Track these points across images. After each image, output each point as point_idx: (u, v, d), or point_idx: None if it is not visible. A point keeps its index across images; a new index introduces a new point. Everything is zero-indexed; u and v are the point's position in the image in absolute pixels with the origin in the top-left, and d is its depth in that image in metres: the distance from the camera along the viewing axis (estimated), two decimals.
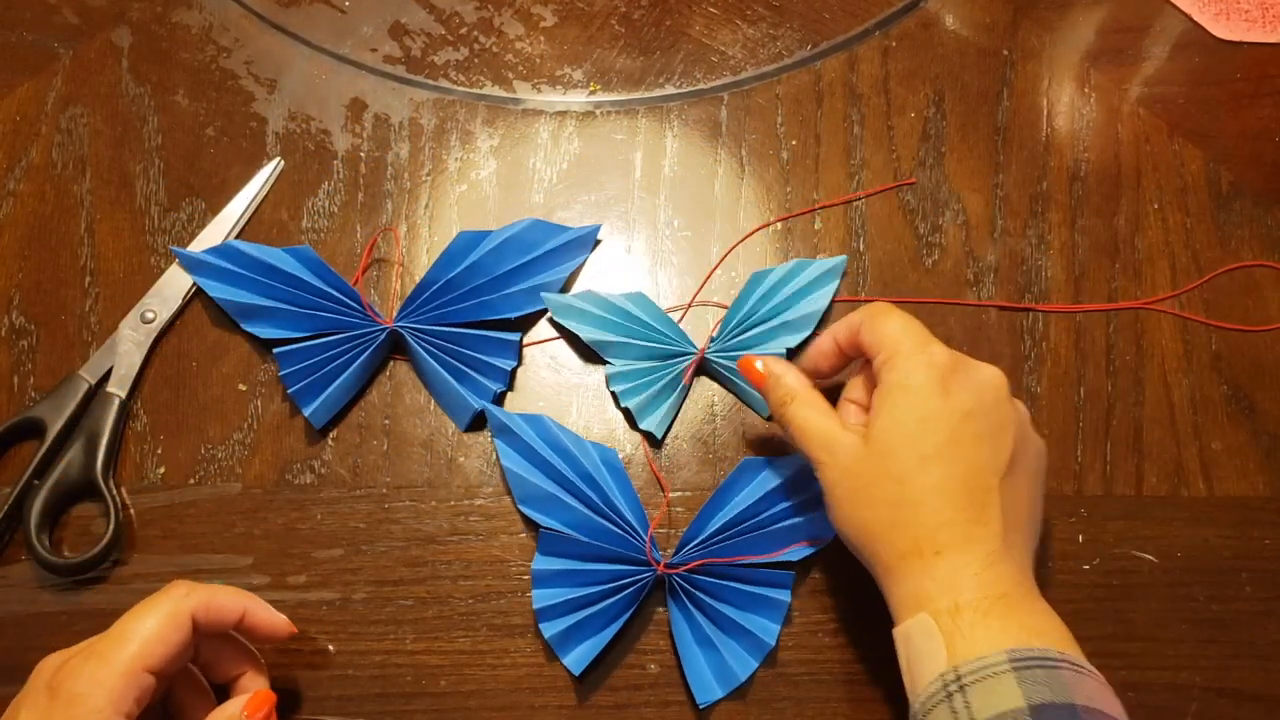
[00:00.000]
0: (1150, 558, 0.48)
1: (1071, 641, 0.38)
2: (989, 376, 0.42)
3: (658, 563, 0.45)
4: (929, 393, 0.40)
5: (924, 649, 0.38)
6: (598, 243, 0.53)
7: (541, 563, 0.46)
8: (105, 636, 0.39)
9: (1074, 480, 0.50)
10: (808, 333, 0.51)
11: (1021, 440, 0.41)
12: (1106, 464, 0.50)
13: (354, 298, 0.49)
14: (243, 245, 0.50)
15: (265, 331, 0.50)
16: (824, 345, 0.46)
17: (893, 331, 0.42)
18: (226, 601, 0.41)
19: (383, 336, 0.49)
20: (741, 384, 0.50)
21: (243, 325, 0.50)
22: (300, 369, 0.48)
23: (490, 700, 0.45)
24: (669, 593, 0.46)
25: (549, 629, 0.45)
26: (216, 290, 0.50)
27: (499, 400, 0.50)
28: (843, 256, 0.53)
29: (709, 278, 0.53)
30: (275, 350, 0.49)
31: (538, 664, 0.46)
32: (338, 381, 0.49)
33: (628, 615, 0.45)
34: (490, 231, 0.51)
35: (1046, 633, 0.38)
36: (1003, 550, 0.39)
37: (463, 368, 0.49)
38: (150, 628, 0.39)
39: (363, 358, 0.49)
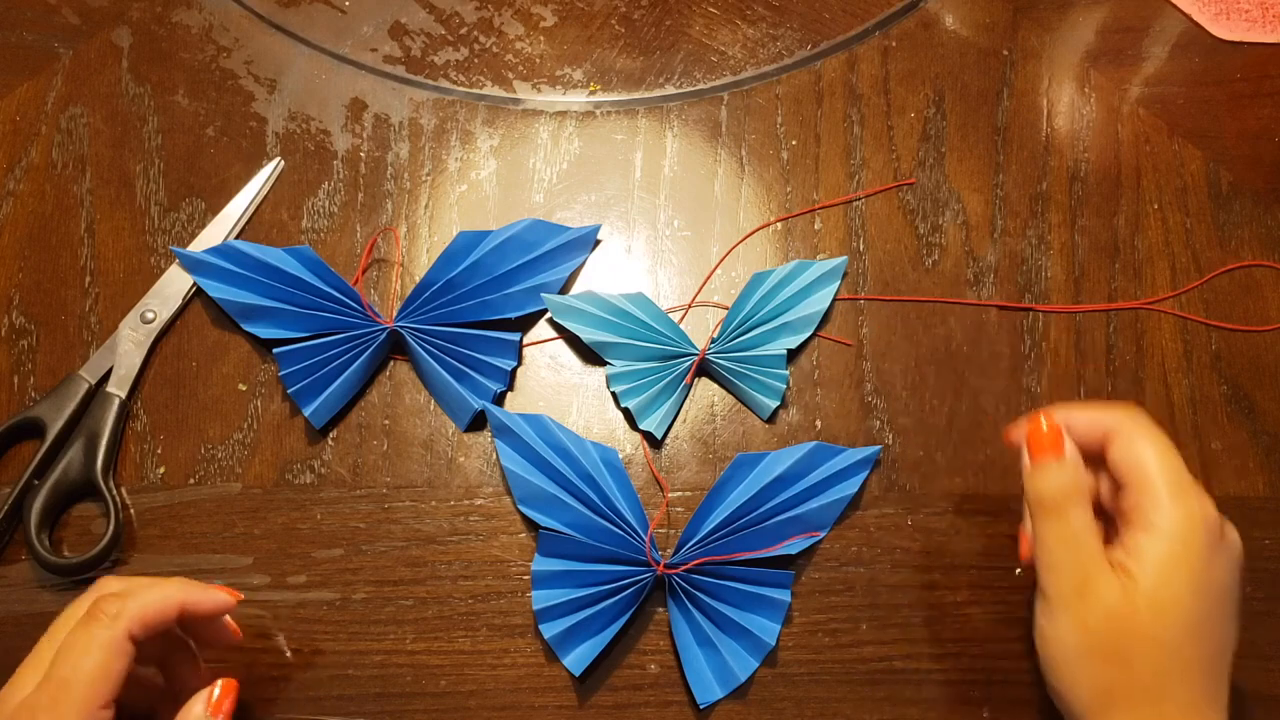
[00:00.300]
0: None
1: None
2: (1239, 546, 0.39)
3: (657, 563, 0.45)
4: (1204, 558, 0.38)
5: None
6: (598, 243, 0.53)
7: (541, 563, 0.46)
8: (47, 684, 0.36)
9: None
10: (807, 334, 0.51)
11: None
12: None
13: (354, 298, 0.49)
14: (243, 245, 0.50)
15: (265, 331, 0.50)
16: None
17: (1153, 461, 0.39)
18: (158, 603, 0.38)
19: (383, 336, 0.49)
20: (741, 385, 0.50)
21: (243, 325, 0.50)
22: (300, 369, 0.48)
23: (490, 700, 0.45)
24: (669, 593, 0.46)
25: (549, 629, 0.45)
26: (216, 290, 0.50)
27: (499, 400, 0.50)
28: (843, 258, 0.53)
29: (709, 278, 0.53)
30: (275, 350, 0.49)
31: (537, 664, 0.46)
32: (338, 381, 0.49)
33: (628, 616, 0.45)
34: (490, 231, 0.51)
35: None
36: None
37: (463, 368, 0.49)
38: (90, 668, 0.36)
39: (363, 358, 0.49)
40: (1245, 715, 0.46)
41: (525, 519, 0.48)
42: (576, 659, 0.45)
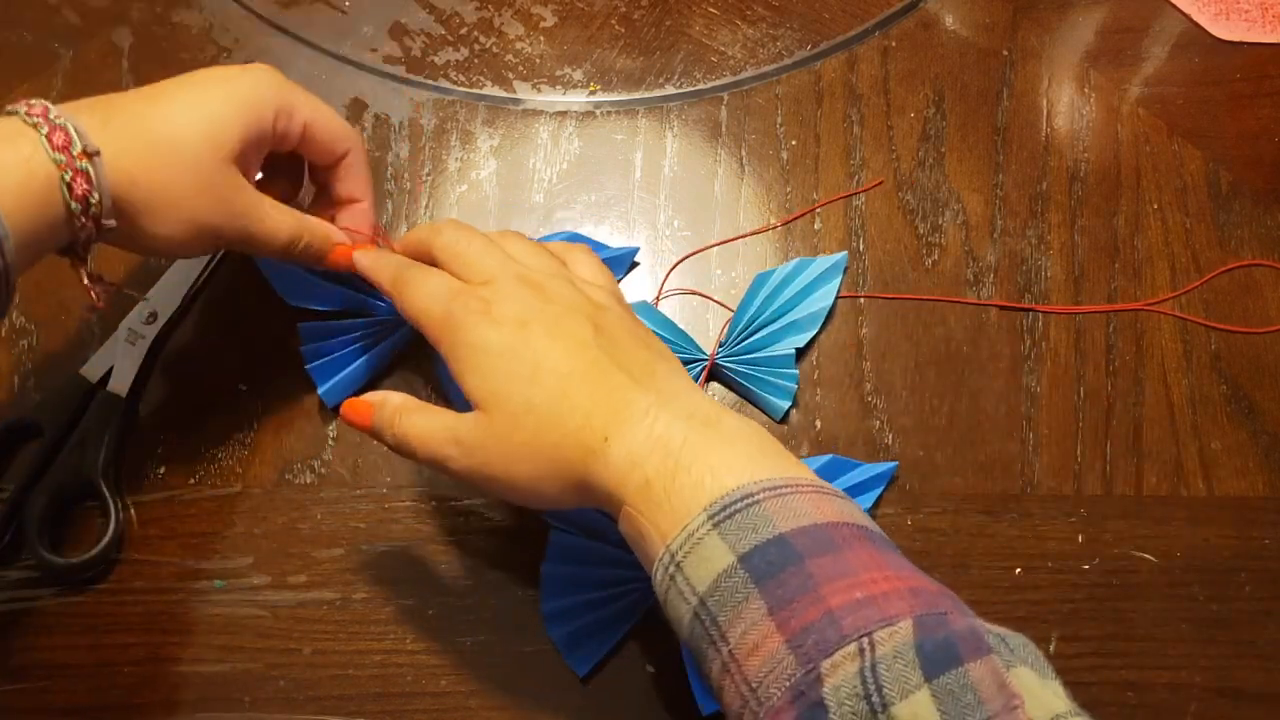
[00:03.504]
0: (1150, 557, 0.48)
1: (767, 453, 0.36)
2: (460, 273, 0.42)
3: None
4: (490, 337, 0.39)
5: (634, 544, 0.37)
6: (634, 265, 0.53)
7: (550, 567, 0.46)
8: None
9: (1074, 480, 0.50)
10: (814, 331, 0.51)
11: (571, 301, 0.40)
12: (1106, 464, 0.50)
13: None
14: None
15: (298, 300, 0.49)
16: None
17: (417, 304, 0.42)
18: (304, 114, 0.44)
19: (407, 327, 0.49)
20: (752, 387, 0.50)
21: (277, 289, 0.49)
22: (320, 346, 0.48)
23: (490, 700, 0.45)
24: None
25: (556, 632, 0.45)
26: (264, 264, 0.50)
27: None
28: (843, 253, 0.53)
29: (696, 252, 0.53)
30: (300, 325, 0.49)
31: (538, 664, 0.46)
32: (356, 364, 0.48)
33: (636, 619, 0.45)
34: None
35: (736, 463, 0.35)
36: (655, 397, 0.37)
37: None
38: (225, 115, 0.41)
39: (385, 343, 0.49)
40: (1245, 715, 0.46)
41: (526, 519, 0.48)
42: (582, 660, 0.45)
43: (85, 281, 0.41)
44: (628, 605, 0.45)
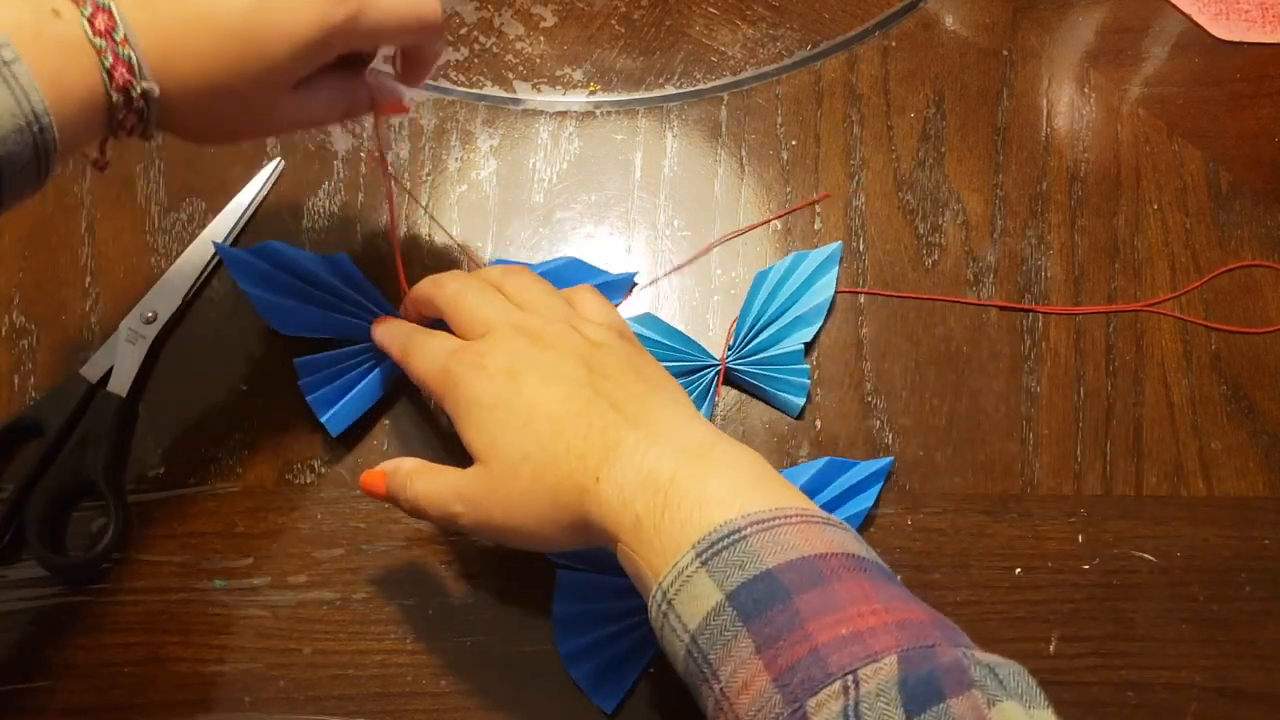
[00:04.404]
0: (1150, 558, 0.48)
1: (757, 483, 0.36)
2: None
3: None
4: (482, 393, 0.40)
5: (634, 580, 0.37)
6: (633, 286, 0.53)
7: (561, 607, 0.45)
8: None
9: (1074, 480, 0.50)
10: (819, 324, 0.51)
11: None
12: (1106, 464, 0.50)
13: (384, 309, 0.49)
14: (281, 246, 0.50)
15: (291, 331, 0.49)
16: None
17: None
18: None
19: None
20: (766, 387, 0.50)
21: (271, 323, 0.49)
22: (319, 378, 0.48)
23: (490, 700, 0.45)
24: None
25: (577, 672, 0.45)
26: (250, 287, 0.50)
27: None
28: (838, 243, 0.53)
29: (697, 257, 0.53)
30: (296, 360, 0.48)
31: (538, 664, 0.46)
32: (356, 390, 0.48)
33: (655, 650, 0.45)
34: (531, 264, 0.51)
35: (724, 496, 0.35)
36: (645, 432, 0.37)
37: None
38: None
39: (382, 367, 0.49)
40: (1245, 715, 0.46)
41: None
42: (608, 697, 0.45)
43: (95, 155, 0.39)
44: (645, 635, 0.45)
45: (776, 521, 0.34)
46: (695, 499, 0.35)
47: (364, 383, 0.48)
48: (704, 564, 0.33)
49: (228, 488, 0.49)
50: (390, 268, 0.50)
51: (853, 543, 0.35)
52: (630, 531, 0.36)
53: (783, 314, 0.51)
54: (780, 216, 0.54)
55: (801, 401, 0.50)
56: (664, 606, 0.34)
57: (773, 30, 0.59)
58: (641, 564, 0.35)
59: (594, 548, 0.39)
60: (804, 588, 0.32)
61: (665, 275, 0.53)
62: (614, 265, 0.53)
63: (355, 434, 0.49)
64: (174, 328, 0.51)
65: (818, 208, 0.54)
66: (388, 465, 0.42)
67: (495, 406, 0.39)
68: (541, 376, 0.39)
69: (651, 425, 0.38)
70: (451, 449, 0.49)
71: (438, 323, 0.46)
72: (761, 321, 0.50)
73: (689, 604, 0.33)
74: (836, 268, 0.52)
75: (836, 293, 0.52)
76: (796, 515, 0.34)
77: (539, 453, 0.38)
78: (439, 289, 0.45)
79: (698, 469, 0.36)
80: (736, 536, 0.33)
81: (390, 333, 0.46)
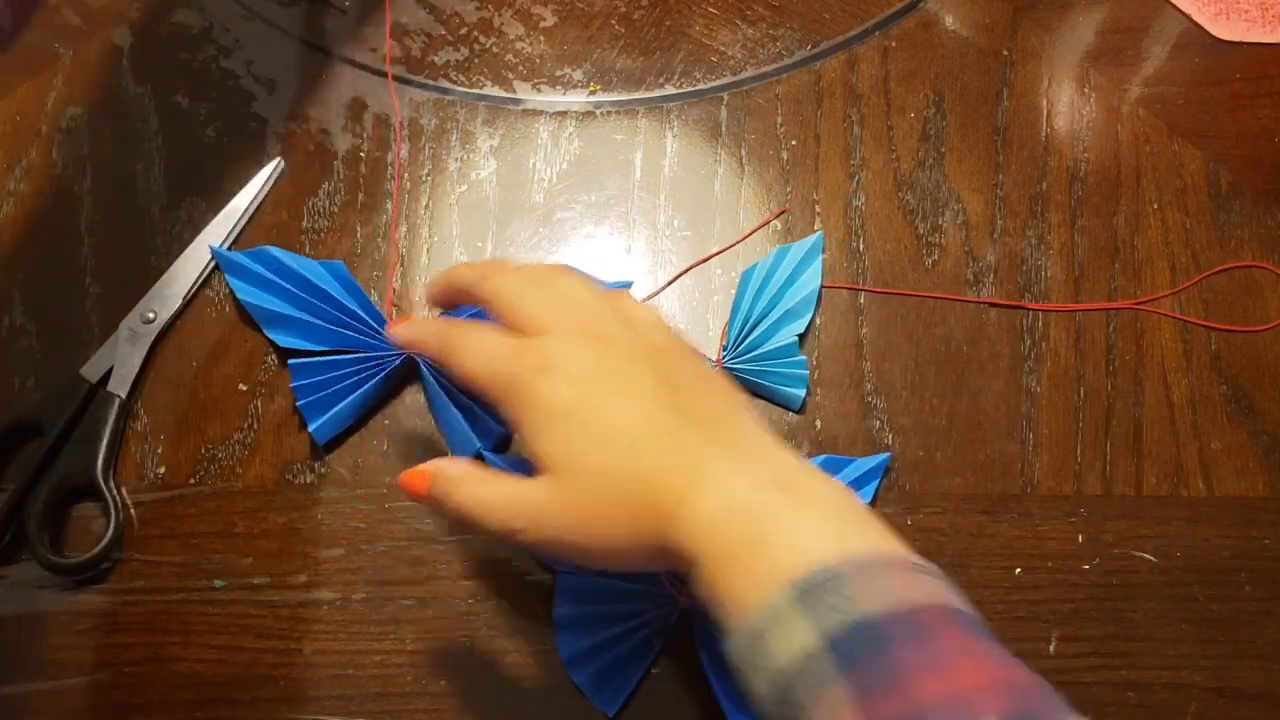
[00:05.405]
0: (1150, 558, 0.48)
1: (851, 521, 0.34)
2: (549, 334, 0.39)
3: (677, 595, 0.45)
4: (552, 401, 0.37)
5: (709, 605, 0.35)
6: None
7: (562, 610, 0.45)
8: None
9: (1074, 480, 0.50)
10: (809, 315, 0.51)
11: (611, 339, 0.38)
12: (1106, 464, 0.50)
13: (379, 320, 0.49)
14: (278, 252, 0.50)
15: (285, 340, 0.49)
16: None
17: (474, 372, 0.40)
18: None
19: (397, 363, 0.49)
20: (765, 383, 0.50)
21: (265, 331, 0.49)
22: (312, 383, 0.48)
23: (491, 700, 0.45)
24: (694, 619, 0.45)
25: (579, 675, 0.45)
26: (245, 293, 0.50)
27: (503, 445, 0.49)
28: (819, 233, 0.53)
29: (697, 264, 0.53)
30: (290, 362, 0.48)
31: (537, 664, 0.46)
32: (346, 401, 0.48)
33: (656, 651, 0.45)
34: None
35: (821, 532, 0.34)
36: (730, 457, 0.36)
37: (475, 407, 0.48)
38: None
39: (375, 380, 0.48)
40: (1245, 715, 0.46)
41: None
42: (609, 699, 0.44)
43: None
44: (646, 638, 0.45)
45: (876, 566, 0.32)
46: (791, 533, 0.34)
47: (355, 394, 0.48)
48: (800, 603, 0.32)
49: (228, 488, 0.49)
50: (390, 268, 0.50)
51: (950, 594, 0.33)
52: (715, 560, 0.34)
53: (772, 309, 0.51)
54: (742, 241, 0.54)
55: (802, 393, 0.50)
56: (753, 641, 0.33)
57: (773, 30, 0.59)
58: (725, 595, 0.34)
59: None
60: (904, 638, 0.31)
61: (669, 283, 0.53)
62: (614, 265, 0.53)
63: (355, 434, 0.49)
64: (174, 328, 0.51)
65: (818, 208, 0.54)
66: (430, 465, 0.39)
67: (567, 416, 0.37)
68: (613, 385, 0.37)
69: (735, 448, 0.36)
70: (448, 452, 0.49)
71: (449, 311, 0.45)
72: (753, 319, 0.50)
73: (780, 641, 0.32)
74: (820, 257, 0.52)
75: (822, 286, 0.52)
76: (895, 561, 0.33)
77: (616, 469, 0.36)
78: (484, 280, 0.41)
79: (790, 502, 0.35)
80: (836, 577, 0.32)
81: (421, 329, 0.43)
